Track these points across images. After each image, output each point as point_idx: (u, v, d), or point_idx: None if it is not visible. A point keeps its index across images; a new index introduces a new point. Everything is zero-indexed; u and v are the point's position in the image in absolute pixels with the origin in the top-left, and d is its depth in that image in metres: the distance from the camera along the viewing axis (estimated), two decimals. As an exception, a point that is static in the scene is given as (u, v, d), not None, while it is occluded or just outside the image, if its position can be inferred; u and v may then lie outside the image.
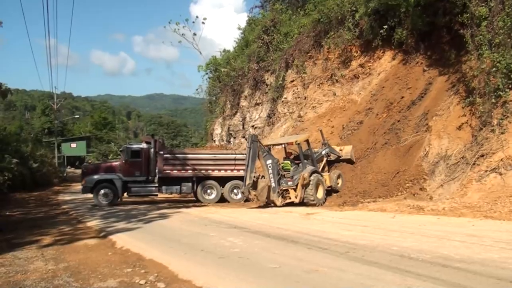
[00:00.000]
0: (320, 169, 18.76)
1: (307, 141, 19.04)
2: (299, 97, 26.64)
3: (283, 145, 19.85)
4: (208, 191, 21.84)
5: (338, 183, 18.83)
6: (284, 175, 17.82)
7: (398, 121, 18.89)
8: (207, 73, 38.38)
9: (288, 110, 27.20)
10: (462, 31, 16.28)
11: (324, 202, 17.50)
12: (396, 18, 20.62)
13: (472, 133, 15.00)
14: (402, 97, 19.83)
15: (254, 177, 17.33)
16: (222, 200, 21.60)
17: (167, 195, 24.31)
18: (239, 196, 21.16)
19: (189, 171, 21.58)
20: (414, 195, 14.97)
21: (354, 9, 23.25)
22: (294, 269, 6.93)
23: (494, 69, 14.45)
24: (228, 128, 33.17)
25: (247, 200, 20.51)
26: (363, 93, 22.87)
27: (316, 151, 19.40)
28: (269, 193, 17.17)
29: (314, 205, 16.97)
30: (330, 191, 18.41)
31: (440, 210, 12.63)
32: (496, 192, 12.69)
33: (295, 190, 17.40)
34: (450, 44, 18.70)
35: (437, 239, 8.83)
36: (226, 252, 8.54)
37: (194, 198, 22.87)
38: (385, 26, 21.16)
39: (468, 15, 15.93)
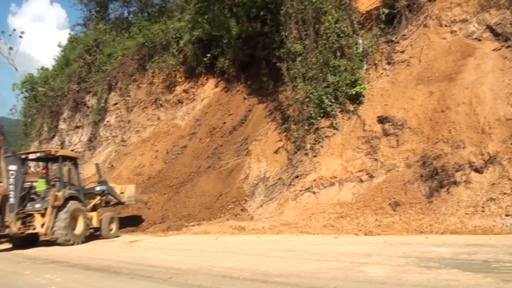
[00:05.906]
0: (88, 207, 14.92)
1: (75, 163, 15.58)
2: (122, 121, 25.77)
3: (40, 155, 14.97)
4: (22, 222, 19.28)
5: (111, 229, 15.34)
6: (34, 198, 13.55)
7: (221, 145, 19.43)
8: (22, 92, 35.15)
9: (111, 133, 26.10)
10: (279, 64, 17.49)
11: (82, 241, 13.85)
12: (219, 48, 21.50)
13: (288, 156, 16.12)
14: (224, 122, 20.54)
15: None
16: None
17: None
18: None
19: None
20: (236, 216, 15.36)
21: (179, 36, 23.62)
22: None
23: (307, 99, 15.83)
24: (45, 153, 30.38)
25: None
26: (187, 118, 23.09)
27: (89, 188, 16.04)
28: (4, 210, 12.77)
29: (68, 244, 13.18)
30: (98, 236, 15.24)
31: (260, 228, 13.22)
32: (310, 209, 13.75)
33: (43, 215, 13.08)
34: (269, 75, 20.06)
35: (257, 257, 9.11)
36: (42, 291, 7.58)
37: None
38: (208, 55, 21.88)
39: (285, 50, 17.24)
